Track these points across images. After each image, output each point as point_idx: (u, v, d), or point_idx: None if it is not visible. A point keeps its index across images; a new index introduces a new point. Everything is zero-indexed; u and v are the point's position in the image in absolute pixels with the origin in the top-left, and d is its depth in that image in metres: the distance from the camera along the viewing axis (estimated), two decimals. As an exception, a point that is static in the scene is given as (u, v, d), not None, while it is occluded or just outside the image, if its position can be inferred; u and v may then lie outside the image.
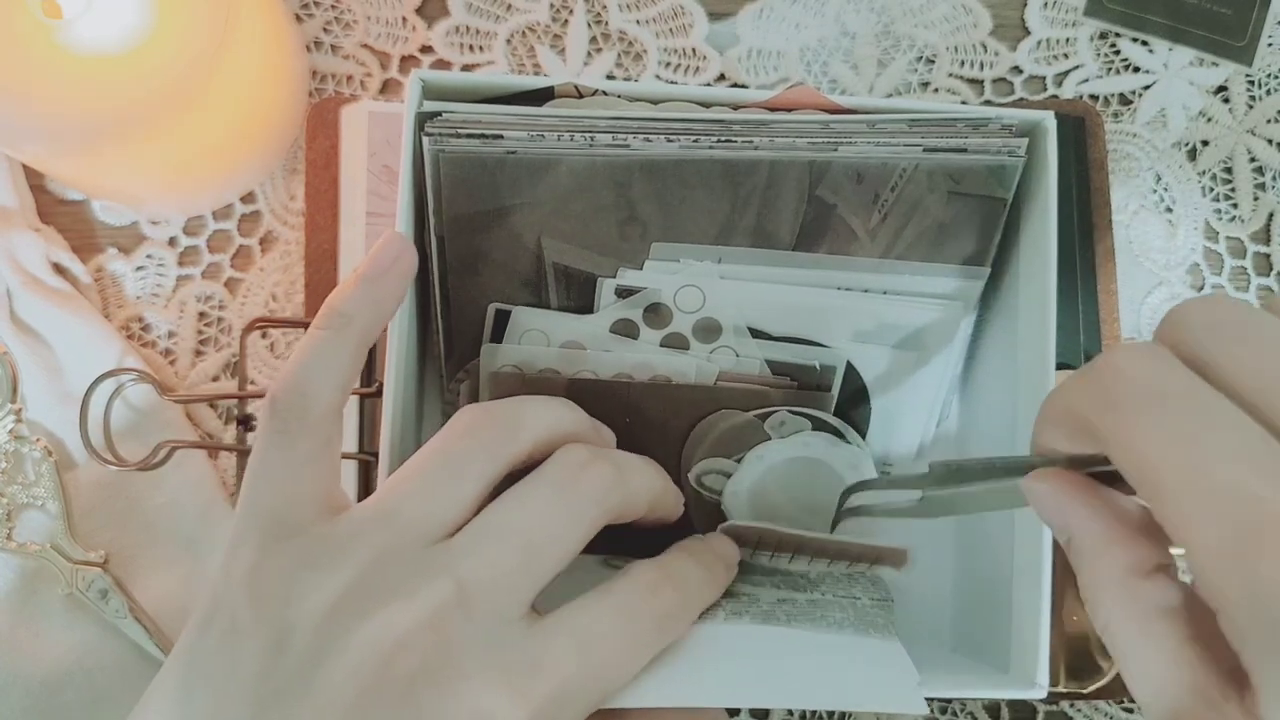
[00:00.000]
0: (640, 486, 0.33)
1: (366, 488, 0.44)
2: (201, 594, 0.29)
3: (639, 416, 0.40)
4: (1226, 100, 0.50)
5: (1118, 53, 0.50)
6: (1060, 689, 0.43)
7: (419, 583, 0.28)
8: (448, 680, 0.27)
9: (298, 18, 0.49)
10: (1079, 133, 0.47)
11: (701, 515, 0.41)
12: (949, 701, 0.47)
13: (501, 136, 0.37)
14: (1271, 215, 0.50)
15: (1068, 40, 0.50)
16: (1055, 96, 0.50)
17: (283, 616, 0.28)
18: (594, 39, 0.49)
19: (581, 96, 0.39)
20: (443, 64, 0.49)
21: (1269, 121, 0.50)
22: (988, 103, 0.50)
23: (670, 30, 0.50)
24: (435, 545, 0.30)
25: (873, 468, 0.42)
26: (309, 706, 0.27)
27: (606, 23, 0.49)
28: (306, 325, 0.45)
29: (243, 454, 0.45)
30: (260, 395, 0.46)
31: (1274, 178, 0.50)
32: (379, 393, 0.40)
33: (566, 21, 0.49)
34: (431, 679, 0.27)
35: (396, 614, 0.28)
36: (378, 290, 0.33)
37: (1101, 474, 0.26)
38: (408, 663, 0.27)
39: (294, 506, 0.30)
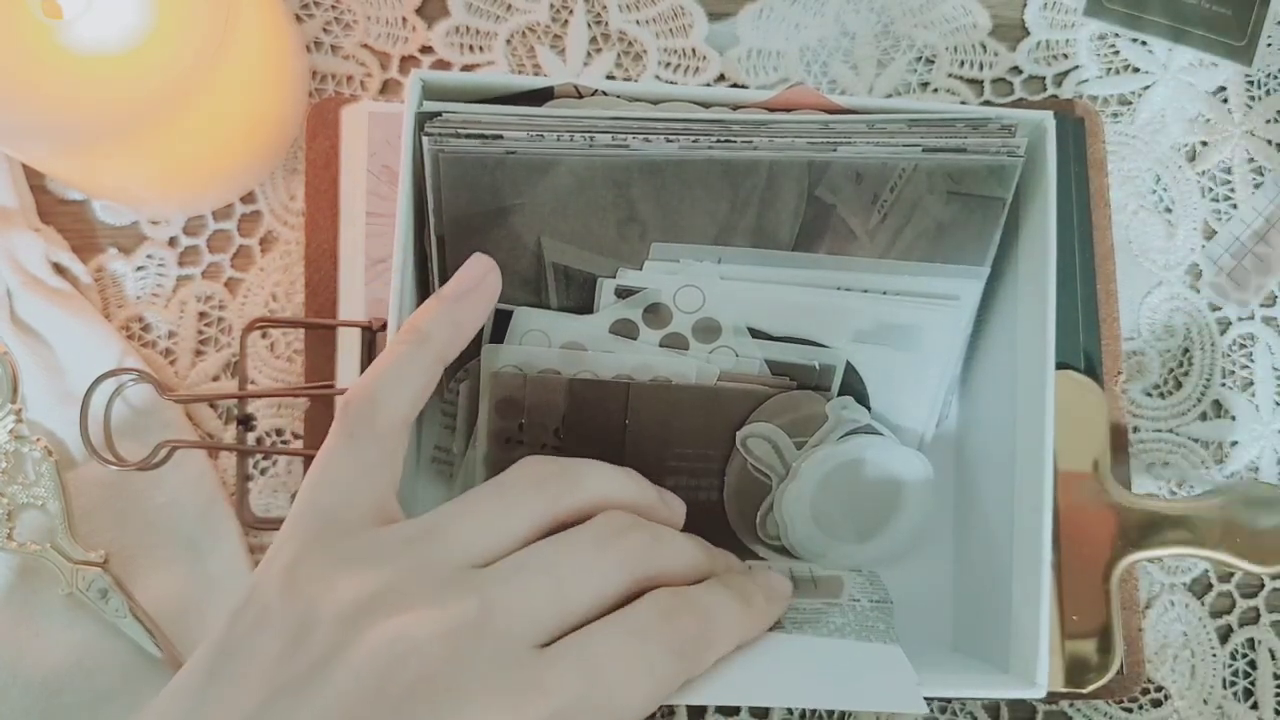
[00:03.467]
0: (677, 561, 0.33)
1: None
2: (245, 581, 0.30)
3: (638, 417, 0.40)
4: (1226, 101, 0.50)
5: (1117, 53, 0.50)
6: (1060, 689, 0.43)
7: (445, 597, 0.29)
8: (448, 694, 0.27)
9: (298, 18, 0.49)
10: (1079, 133, 0.47)
11: (743, 490, 0.41)
12: (948, 701, 0.47)
13: (501, 136, 0.37)
14: (1270, 215, 0.50)
15: (1067, 41, 0.50)
16: (1055, 97, 0.50)
17: (309, 610, 0.29)
18: (594, 39, 0.49)
19: (581, 96, 0.39)
20: (443, 64, 0.49)
21: (1269, 121, 0.50)
22: (987, 103, 0.50)
23: (670, 30, 0.50)
24: (471, 569, 0.30)
25: (927, 467, 0.42)
26: (312, 702, 0.27)
27: (606, 23, 0.49)
28: (307, 325, 0.46)
29: (243, 454, 0.45)
30: (260, 395, 0.46)
31: (1275, 180, 0.50)
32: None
33: (566, 22, 0.49)
34: (433, 691, 0.27)
35: (415, 621, 0.28)
36: (458, 311, 0.36)
37: None
38: (413, 671, 0.27)
39: (347, 510, 0.31)
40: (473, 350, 0.40)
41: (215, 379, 0.47)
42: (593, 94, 0.39)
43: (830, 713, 0.47)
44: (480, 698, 0.27)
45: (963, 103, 0.50)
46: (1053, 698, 0.46)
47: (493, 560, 0.30)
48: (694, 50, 0.50)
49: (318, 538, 0.30)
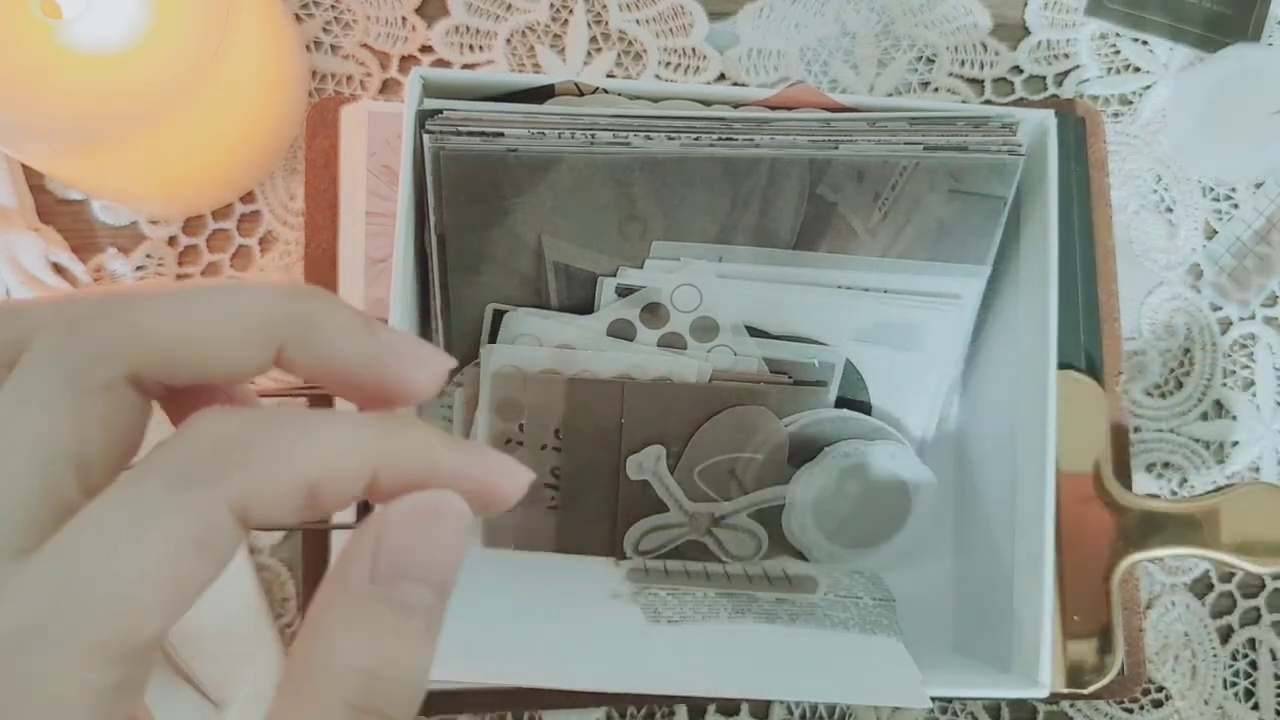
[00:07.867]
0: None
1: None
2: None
3: (635, 415, 0.40)
4: (1226, 100, 0.50)
5: (1118, 53, 0.50)
6: (1061, 689, 0.43)
7: None
8: None
9: (298, 18, 0.49)
10: (1079, 132, 0.47)
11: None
12: (949, 701, 0.47)
13: (502, 134, 0.37)
14: (1271, 215, 0.50)
15: (1068, 40, 0.50)
16: (1055, 96, 0.50)
17: None
18: (594, 39, 0.49)
19: (582, 94, 0.39)
20: (443, 64, 0.49)
21: (1269, 121, 0.50)
22: (988, 102, 0.50)
23: (670, 30, 0.50)
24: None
25: (913, 457, 0.42)
26: None
27: (606, 23, 0.49)
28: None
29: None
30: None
31: (1275, 180, 0.50)
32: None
33: (566, 21, 0.49)
34: None
35: None
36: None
37: None
38: None
39: None
40: (470, 352, 0.40)
41: (215, 379, 0.47)
42: (594, 92, 0.39)
43: (831, 709, 0.47)
44: None
45: (964, 102, 0.50)
46: (1054, 698, 0.46)
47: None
48: (694, 50, 0.50)
49: None
